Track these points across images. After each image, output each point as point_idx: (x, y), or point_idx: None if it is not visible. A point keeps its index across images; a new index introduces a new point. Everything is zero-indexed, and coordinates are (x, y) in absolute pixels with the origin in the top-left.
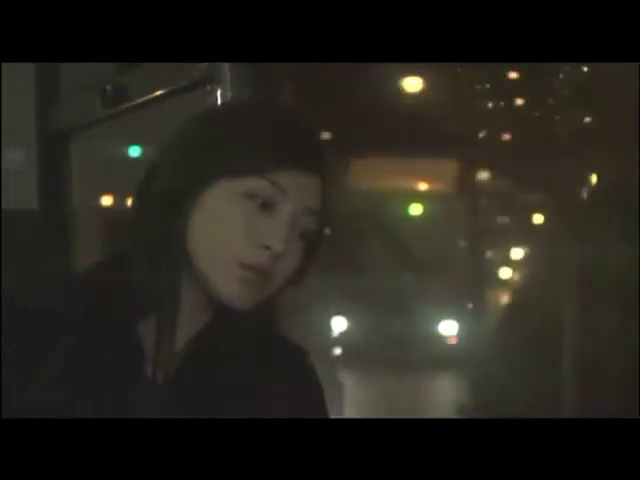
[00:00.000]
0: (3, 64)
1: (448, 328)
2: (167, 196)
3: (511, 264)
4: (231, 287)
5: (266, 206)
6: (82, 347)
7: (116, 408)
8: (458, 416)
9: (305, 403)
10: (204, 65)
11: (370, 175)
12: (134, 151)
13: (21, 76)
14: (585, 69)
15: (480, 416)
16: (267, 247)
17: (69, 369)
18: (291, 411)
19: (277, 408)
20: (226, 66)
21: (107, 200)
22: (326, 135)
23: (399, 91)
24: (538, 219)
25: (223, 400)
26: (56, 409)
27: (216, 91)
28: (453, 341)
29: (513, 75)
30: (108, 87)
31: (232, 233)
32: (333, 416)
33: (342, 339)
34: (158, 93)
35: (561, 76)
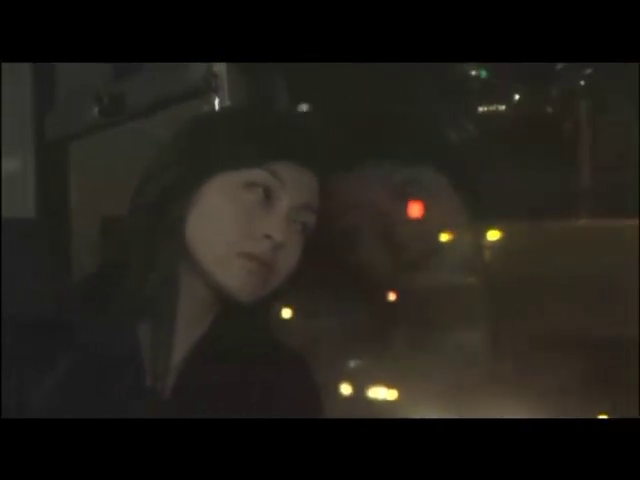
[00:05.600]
0: (3, 68)
1: None
2: (166, 190)
3: None
4: (234, 278)
5: (266, 197)
6: (81, 358)
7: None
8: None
9: (304, 411)
10: (202, 73)
11: None
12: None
13: (19, 84)
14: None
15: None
16: (267, 236)
17: (69, 381)
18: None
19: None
20: (224, 74)
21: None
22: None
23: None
24: None
25: (223, 409)
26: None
27: (214, 99)
28: None
29: None
30: (105, 95)
31: (232, 224)
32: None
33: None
34: (155, 101)
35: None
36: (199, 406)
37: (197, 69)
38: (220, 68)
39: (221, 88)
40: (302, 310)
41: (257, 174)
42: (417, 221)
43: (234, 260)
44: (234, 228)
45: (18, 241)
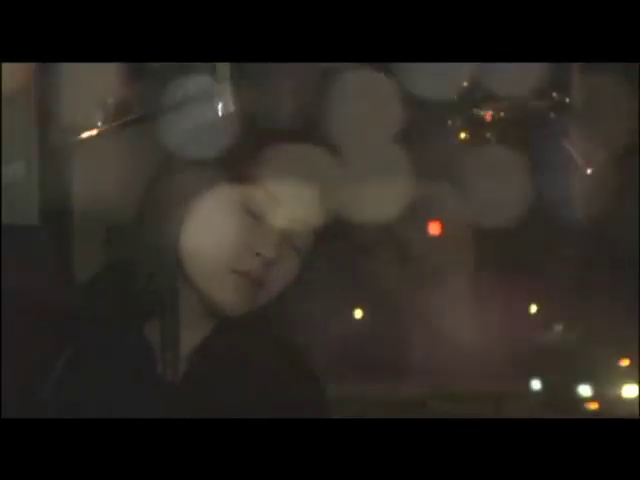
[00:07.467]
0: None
1: None
2: (169, 194)
3: None
4: (223, 294)
5: (258, 214)
6: (84, 359)
7: (125, 408)
8: None
9: (308, 411)
10: (206, 79)
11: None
12: None
13: (22, 89)
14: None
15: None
16: (258, 254)
17: (73, 376)
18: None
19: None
20: (227, 81)
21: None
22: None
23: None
24: None
25: (229, 407)
26: (63, 411)
27: (217, 105)
28: None
29: None
30: (109, 101)
31: (224, 240)
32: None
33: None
34: (159, 107)
35: None
36: (201, 408)
37: (201, 75)
38: (224, 75)
39: (224, 94)
40: (309, 314)
41: (252, 192)
42: (432, 237)
43: (225, 276)
44: (226, 245)
45: (20, 247)
